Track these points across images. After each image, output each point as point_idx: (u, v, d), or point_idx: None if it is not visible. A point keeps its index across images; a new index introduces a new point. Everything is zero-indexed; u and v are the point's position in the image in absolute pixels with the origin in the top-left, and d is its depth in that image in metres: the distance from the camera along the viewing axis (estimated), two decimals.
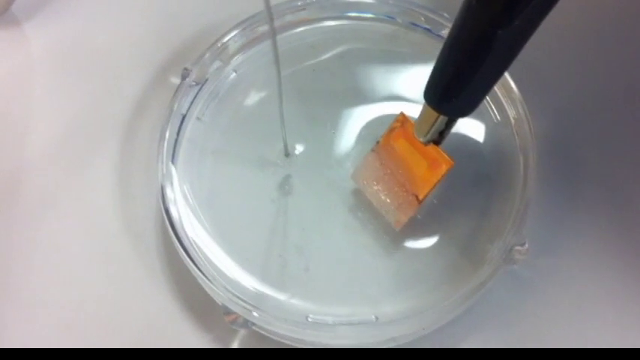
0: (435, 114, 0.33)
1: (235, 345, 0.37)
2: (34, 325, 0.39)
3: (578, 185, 0.41)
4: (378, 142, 0.38)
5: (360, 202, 0.40)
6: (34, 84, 0.46)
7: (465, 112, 0.32)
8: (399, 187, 0.38)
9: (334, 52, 0.44)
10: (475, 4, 0.27)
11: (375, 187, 0.39)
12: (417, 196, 0.37)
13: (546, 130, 0.41)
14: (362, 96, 0.43)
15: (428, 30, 0.43)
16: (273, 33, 0.32)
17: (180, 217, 0.38)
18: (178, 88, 0.41)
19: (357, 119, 0.42)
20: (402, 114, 0.37)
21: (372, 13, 0.45)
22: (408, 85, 0.42)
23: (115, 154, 0.43)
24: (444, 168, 0.37)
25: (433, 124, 0.34)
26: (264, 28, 0.43)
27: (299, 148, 0.41)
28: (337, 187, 0.40)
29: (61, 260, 0.40)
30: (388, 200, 0.38)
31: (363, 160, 0.39)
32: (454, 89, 0.31)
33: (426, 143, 0.35)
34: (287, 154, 0.41)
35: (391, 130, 0.38)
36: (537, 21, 0.27)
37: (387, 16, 0.44)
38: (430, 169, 0.37)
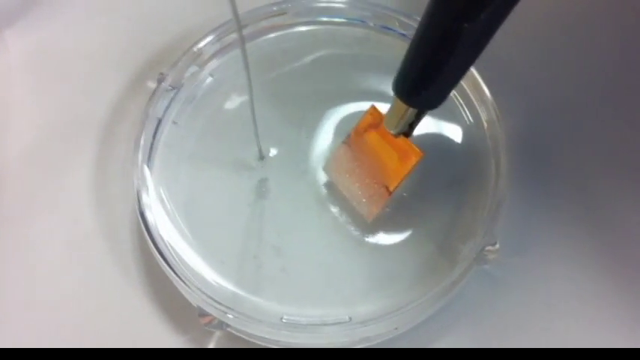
0: (404, 106, 0.34)
1: (211, 346, 0.38)
2: (9, 326, 0.39)
3: (548, 185, 0.42)
4: (349, 135, 0.39)
5: (334, 198, 0.40)
6: (12, 89, 0.46)
7: (433, 105, 0.33)
8: (370, 178, 0.38)
9: (308, 56, 0.45)
10: None
11: (347, 179, 0.39)
12: (387, 188, 0.38)
13: (517, 131, 0.42)
14: (336, 98, 0.43)
15: (402, 34, 0.44)
16: (241, 38, 0.33)
17: (155, 221, 0.39)
18: (154, 92, 0.42)
19: (331, 121, 0.42)
20: (373, 107, 0.38)
21: (345, 18, 0.45)
22: (381, 85, 0.43)
23: (92, 157, 0.43)
24: (413, 159, 0.37)
25: (403, 117, 0.34)
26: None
27: (274, 151, 0.42)
28: (312, 188, 0.41)
29: (37, 262, 0.40)
30: (359, 192, 0.39)
31: (334, 152, 0.40)
32: (422, 82, 0.32)
33: (396, 135, 0.36)
34: (262, 158, 0.41)
35: (362, 122, 0.38)
36: (503, 15, 0.28)
37: (360, 20, 0.45)
38: (400, 161, 0.37)
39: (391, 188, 0.38)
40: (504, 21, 0.28)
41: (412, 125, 0.35)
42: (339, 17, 0.45)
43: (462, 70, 0.31)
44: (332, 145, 0.42)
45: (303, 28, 0.45)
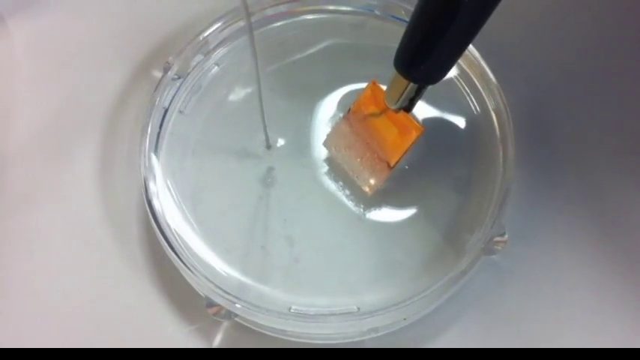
0: (404, 81, 0.34)
1: (219, 336, 0.38)
2: (14, 314, 0.39)
3: (554, 173, 0.42)
4: (349, 110, 0.39)
5: (340, 184, 0.40)
6: (17, 78, 0.46)
7: (433, 80, 0.34)
8: (371, 153, 0.39)
9: (314, 44, 0.44)
10: None
11: (347, 153, 0.39)
12: (388, 162, 0.38)
13: (524, 119, 0.42)
14: (342, 86, 0.43)
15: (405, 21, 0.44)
16: (249, 26, 0.33)
17: (162, 210, 0.39)
18: (160, 81, 0.41)
19: (338, 109, 0.42)
20: (373, 82, 0.38)
21: (351, 6, 0.45)
22: (388, 73, 0.42)
23: (97, 146, 0.43)
24: (414, 134, 0.37)
25: (403, 92, 0.34)
26: (244, 21, 0.44)
27: (280, 140, 0.41)
28: (317, 177, 0.41)
29: (43, 252, 0.40)
30: (360, 166, 0.39)
31: (334, 127, 0.40)
32: (422, 56, 0.32)
33: (397, 110, 0.36)
34: (269, 147, 0.41)
35: (362, 97, 0.38)
36: None
37: (366, 9, 0.45)
38: (401, 136, 0.38)
39: (392, 163, 0.38)
40: None
41: (413, 100, 0.35)
42: (345, 5, 0.45)
43: (462, 45, 0.32)
44: None
45: (309, 17, 0.45)
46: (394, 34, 0.43)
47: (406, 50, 0.32)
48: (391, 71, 0.34)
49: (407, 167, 0.40)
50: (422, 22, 0.31)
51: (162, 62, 0.43)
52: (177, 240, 0.38)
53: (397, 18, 0.44)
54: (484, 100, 0.42)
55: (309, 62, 0.44)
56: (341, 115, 0.41)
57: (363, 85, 0.38)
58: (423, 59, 0.32)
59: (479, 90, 0.42)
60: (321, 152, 0.41)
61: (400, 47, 0.33)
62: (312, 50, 0.44)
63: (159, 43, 0.46)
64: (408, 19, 0.42)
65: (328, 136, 0.41)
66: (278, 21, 0.45)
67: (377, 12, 0.44)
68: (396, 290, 0.37)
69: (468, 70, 0.42)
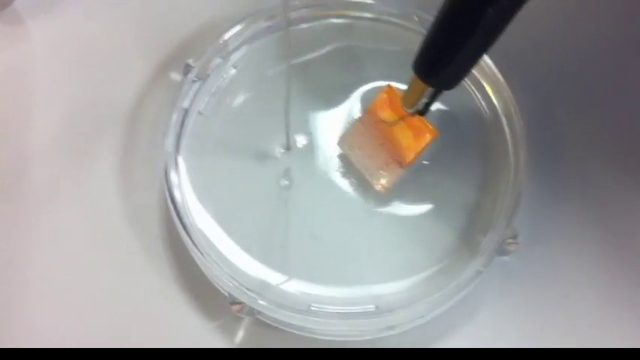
0: (422, 85, 0.35)
1: (240, 333, 0.38)
2: (36, 313, 0.39)
3: (566, 176, 0.43)
4: (365, 111, 0.40)
5: (355, 180, 0.41)
6: (37, 77, 0.46)
7: (450, 85, 0.35)
8: (384, 153, 0.40)
9: (330, 46, 0.46)
10: None
11: (361, 153, 0.41)
12: (401, 163, 0.40)
13: (535, 123, 0.42)
14: (358, 91, 0.44)
15: (421, 32, 0.45)
16: (286, 26, 0.34)
17: (185, 209, 0.39)
18: (181, 83, 0.42)
19: (355, 111, 0.43)
20: (389, 86, 0.39)
21: (371, 12, 0.46)
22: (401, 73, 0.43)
23: (118, 145, 0.44)
24: (428, 137, 0.39)
25: (420, 95, 0.36)
26: (264, 24, 0.45)
27: (298, 141, 0.42)
28: (335, 176, 0.42)
29: (65, 249, 0.41)
30: (374, 166, 0.40)
31: (349, 127, 0.41)
32: (443, 62, 0.33)
33: (412, 114, 0.37)
34: (288, 148, 0.42)
35: (378, 100, 0.40)
36: (523, 1, 0.29)
37: (384, 15, 0.46)
38: (415, 138, 0.39)
39: (404, 163, 0.39)
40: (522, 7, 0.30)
41: (428, 104, 0.36)
42: (368, 12, 0.46)
43: (480, 52, 0.33)
44: None
45: (331, 20, 0.46)
46: (407, 39, 0.45)
47: (427, 56, 0.34)
48: (407, 74, 0.35)
49: (428, 162, 0.41)
50: (445, 30, 0.32)
51: (180, 63, 0.43)
52: (200, 238, 0.39)
53: (412, 25, 0.45)
54: (494, 103, 0.43)
55: (329, 65, 0.45)
56: (356, 116, 0.42)
57: (378, 84, 0.40)
58: (444, 66, 0.33)
59: (489, 94, 0.43)
60: (336, 152, 0.42)
61: (421, 53, 0.34)
62: (327, 51, 0.45)
63: (176, 44, 0.47)
64: (420, 26, 0.44)
65: (343, 135, 0.42)
66: (300, 24, 0.46)
67: (392, 18, 0.46)
68: (413, 288, 0.38)
69: (480, 78, 0.43)
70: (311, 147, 0.43)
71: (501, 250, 0.38)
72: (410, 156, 0.39)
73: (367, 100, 0.43)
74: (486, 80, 0.43)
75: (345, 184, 0.41)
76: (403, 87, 0.37)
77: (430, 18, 0.42)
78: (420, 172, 0.41)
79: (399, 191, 0.41)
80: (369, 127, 0.40)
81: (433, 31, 0.32)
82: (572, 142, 0.44)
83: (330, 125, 0.43)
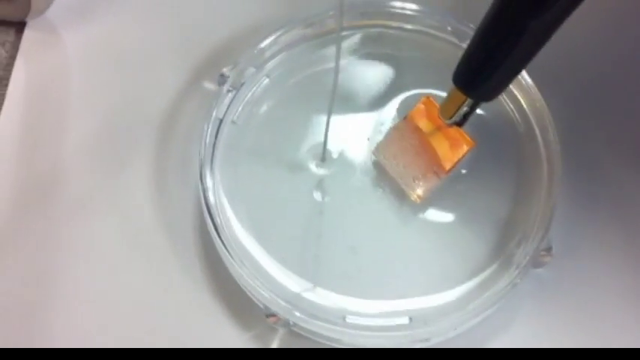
0: (462, 97, 0.35)
1: (275, 343, 0.39)
2: (71, 322, 0.40)
3: (599, 188, 0.43)
4: (402, 120, 0.40)
5: (390, 192, 0.42)
6: (70, 86, 0.46)
7: (490, 97, 0.35)
8: (421, 163, 0.40)
9: (367, 54, 0.46)
10: None
11: (397, 162, 0.41)
12: (437, 173, 0.40)
13: (569, 134, 0.42)
14: (394, 100, 0.44)
15: (454, 42, 0.45)
16: (339, 39, 0.34)
17: (220, 219, 0.40)
18: (217, 93, 0.42)
19: (389, 121, 0.43)
20: (426, 97, 0.40)
21: (408, 23, 0.46)
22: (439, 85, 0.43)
23: (151, 155, 0.44)
24: (465, 147, 0.39)
25: (459, 107, 0.36)
26: (299, 32, 0.45)
27: (332, 150, 0.42)
28: (370, 187, 0.42)
29: (99, 259, 0.41)
30: (410, 176, 0.40)
31: (386, 136, 0.41)
32: (484, 74, 0.33)
33: (450, 125, 0.37)
34: (323, 159, 0.42)
35: (415, 110, 0.40)
36: (567, 13, 0.30)
37: (421, 27, 0.46)
38: (452, 149, 0.39)
39: (441, 174, 0.39)
40: (566, 20, 0.30)
41: (466, 116, 0.37)
42: (408, 23, 0.46)
43: (522, 66, 0.33)
44: None
45: (368, 30, 0.46)
46: (441, 49, 0.45)
47: (469, 68, 0.34)
48: (441, 83, 0.35)
49: (464, 172, 0.42)
50: (486, 43, 0.32)
51: (213, 72, 0.44)
52: (235, 248, 0.39)
53: (445, 36, 0.45)
54: (528, 114, 0.43)
55: (360, 71, 0.45)
56: (391, 125, 0.42)
57: (414, 93, 0.40)
58: (485, 78, 0.34)
59: (524, 107, 0.43)
60: (371, 161, 0.42)
61: (462, 65, 0.34)
62: (363, 59, 0.46)
63: (208, 53, 0.47)
64: (454, 39, 0.44)
65: (379, 144, 0.42)
66: (328, 35, 0.46)
67: (426, 29, 0.46)
68: (447, 300, 0.38)
69: (511, 85, 0.43)
70: (345, 156, 0.43)
71: (535, 263, 0.38)
72: (447, 166, 0.39)
73: (403, 109, 0.43)
74: (520, 91, 0.43)
75: (379, 194, 0.42)
76: (440, 93, 0.37)
77: (465, 29, 0.43)
78: (455, 182, 0.41)
79: (434, 201, 0.41)
80: (406, 137, 0.40)
81: (475, 43, 0.33)
82: (606, 154, 0.44)
83: (365, 134, 0.43)
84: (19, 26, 0.48)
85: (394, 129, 0.41)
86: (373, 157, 0.42)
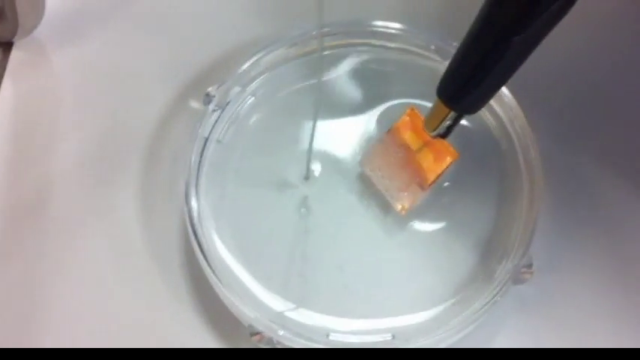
0: (446, 109, 0.36)
1: None
2: (58, 342, 0.40)
3: (581, 204, 0.43)
4: (386, 133, 0.41)
5: (376, 206, 0.42)
6: (57, 106, 0.47)
7: (473, 110, 0.36)
8: (405, 175, 0.41)
9: (348, 66, 0.47)
10: (494, 12, 0.30)
11: (382, 174, 0.41)
12: (421, 185, 0.40)
13: (550, 149, 0.43)
14: (378, 118, 0.45)
15: (438, 60, 0.45)
16: (320, 60, 0.34)
17: (205, 238, 0.40)
18: (203, 112, 0.43)
19: (375, 138, 0.44)
20: (411, 108, 0.40)
21: (394, 42, 0.46)
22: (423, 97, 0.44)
23: (138, 174, 0.44)
24: (448, 160, 0.40)
25: (443, 120, 0.36)
26: (283, 52, 0.46)
27: (317, 166, 0.43)
28: (355, 205, 0.42)
29: (86, 278, 0.41)
30: (394, 188, 0.41)
31: (370, 148, 0.42)
32: (467, 88, 0.34)
33: (434, 137, 0.38)
34: (307, 178, 0.42)
35: (400, 122, 0.41)
36: (549, 29, 0.30)
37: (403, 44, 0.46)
38: (435, 160, 0.40)
39: (425, 186, 0.40)
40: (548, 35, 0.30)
41: (450, 128, 0.37)
42: (392, 42, 0.46)
43: (505, 79, 0.34)
44: None
45: (352, 48, 0.47)
46: (424, 65, 0.46)
47: (453, 82, 0.34)
48: (429, 96, 0.36)
49: (446, 184, 0.42)
50: (470, 57, 0.33)
51: (199, 91, 0.44)
52: (220, 267, 0.39)
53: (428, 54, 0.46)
54: (508, 130, 0.43)
55: (344, 86, 0.46)
56: (376, 137, 0.43)
57: (396, 103, 0.42)
58: (469, 91, 0.34)
59: (504, 121, 0.44)
60: (356, 173, 0.43)
61: (446, 78, 0.35)
62: (346, 75, 0.46)
63: (195, 73, 0.47)
64: (438, 57, 0.45)
65: (364, 157, 0.42)
66: (311, 55, 0.46)
67: (410, 47, 0.46)
68: (429, 316, 0.39)
69: (497, 107, 0.44)
70: (331, 172, 0.43)
71: (516, 279, 0.39)
72: (430, 178, 0.40)
73: (387, 121, 0.43)
74: (501, 106, 0.44)
75: (364, 208, 0.42)
76: (424, 103, 0.38)
77: (448, 48, 0.44)
78: (439, 195, 0.42)
79: (418, 214, 0.42)
80: (391, 149, 0.41)
81: (458, 58, 0.33)
82: (588, 170, 0.44)
83: (350, 148, 0.44)
84: (7, 46, 0.49)
85: (379, 141, 0.42)
86: (359, 170, 0.43)
